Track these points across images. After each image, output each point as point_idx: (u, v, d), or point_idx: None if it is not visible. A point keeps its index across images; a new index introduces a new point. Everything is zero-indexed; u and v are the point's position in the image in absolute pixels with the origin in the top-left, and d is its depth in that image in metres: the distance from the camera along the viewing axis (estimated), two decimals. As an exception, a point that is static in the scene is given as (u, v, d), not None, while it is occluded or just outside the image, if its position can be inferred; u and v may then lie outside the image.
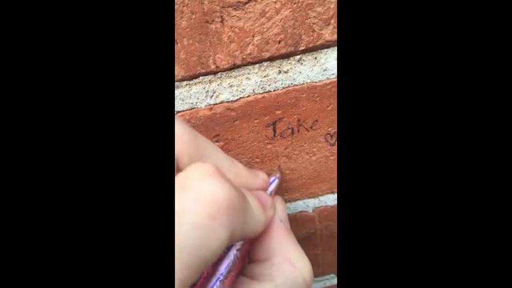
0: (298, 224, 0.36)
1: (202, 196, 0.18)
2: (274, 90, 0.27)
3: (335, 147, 0.31)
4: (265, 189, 0.27)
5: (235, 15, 0.24)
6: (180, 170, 0.20)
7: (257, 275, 0.23)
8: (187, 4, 0.23)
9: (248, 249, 0.24)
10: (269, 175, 0.29)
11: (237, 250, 0.23)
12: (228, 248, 0.23)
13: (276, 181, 0.28)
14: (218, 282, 0.21)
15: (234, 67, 0.26)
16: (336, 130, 0.30)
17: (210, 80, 0.26)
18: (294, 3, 0.24)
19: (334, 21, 0.25)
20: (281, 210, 0.26)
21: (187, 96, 0.27)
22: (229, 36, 0.25)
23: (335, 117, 0.29)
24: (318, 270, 0.40)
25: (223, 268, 0.22)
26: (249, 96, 0.27)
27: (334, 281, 0.42)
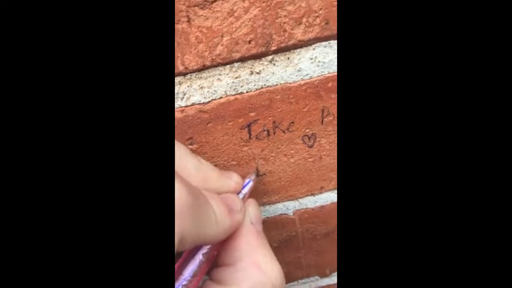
0: (279, 227, 0.35)
1: None
2: (247, 92, 0.26)
3: (313, 149, 0.30)
4: (237, 192, 0.26)
5: (202, 15, 0.23)
6: None
7: (223, 279, 0.23)
8: (152, 3, 0.22)
9: (216, 254, 0.24)
10: (244, 177, 0.28)
11: (203, 255, 0.22)
12: (194, 253, 0.23)
13: (250, 183, 0.28)
14: (181, 287, 0.21)
15: (203, 68, 0.25)
16: (314, 132, 0.29)
17: (179, 82, 0.25)
18: (263, 2, 0.23)
19: (305, 20, 0.24)
20: (253, 212, 0.26)
21: (157, 99, 0.26)
22: (197, 36, 0.24)
23: (312, 118, 0.28)
24: (301, 273, 0.40)
25: (187, 273, 0.21)
26: (221, 98, 0.26)
27: (319, 283, 0.41)
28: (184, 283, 0.21)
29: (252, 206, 0.26)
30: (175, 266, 0.22)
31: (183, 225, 0.18)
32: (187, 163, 0.23)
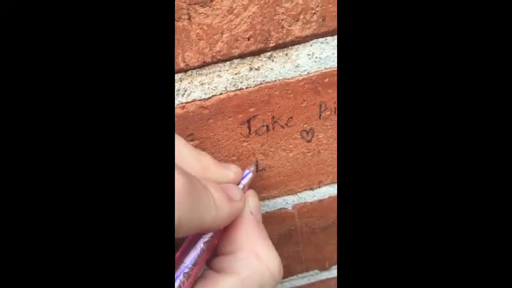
0: (278, 221, 0.36)
1: None
2: (246, 88, 0.27)
3: (311, 144, 0.31)
4: (236, 182, 0.27)
5: (202, 12, 0.24)
6: None
7: (223, 268, 0.23)
8: (153, 2, 0.23)
9: (216, 243, 0.24)
10: (244, 169, 0.29)
11: (204, 243, 0.23)
12: (195, 241, 0.23)
13: (250, 174, 0.28)
14: (182, 275, 0.21)
15: (204, 65, 0.26)
16: (312, 127, 0.30)
17: (180, 78, 0.26)
18: (261, 0, 0.24)
19: (302, 17, 0.24)
20: (253, 203, 0.26)
21: (159, 95, 0.26)
22: (198, 33, 0.24)
23: (310, 113, 0.29)
24: (301, 267, 0.40)
25: (188, 261, 0.22)
26: (221, 94, 0.27)
27: (318, 277, 0.42)
28: (186, 271, 0.21)
29: (251, 197, 0.26)
30: (176, 254, 0.23)
31: (181, 213, 0.18)
32: (185, 154, 0.24)
